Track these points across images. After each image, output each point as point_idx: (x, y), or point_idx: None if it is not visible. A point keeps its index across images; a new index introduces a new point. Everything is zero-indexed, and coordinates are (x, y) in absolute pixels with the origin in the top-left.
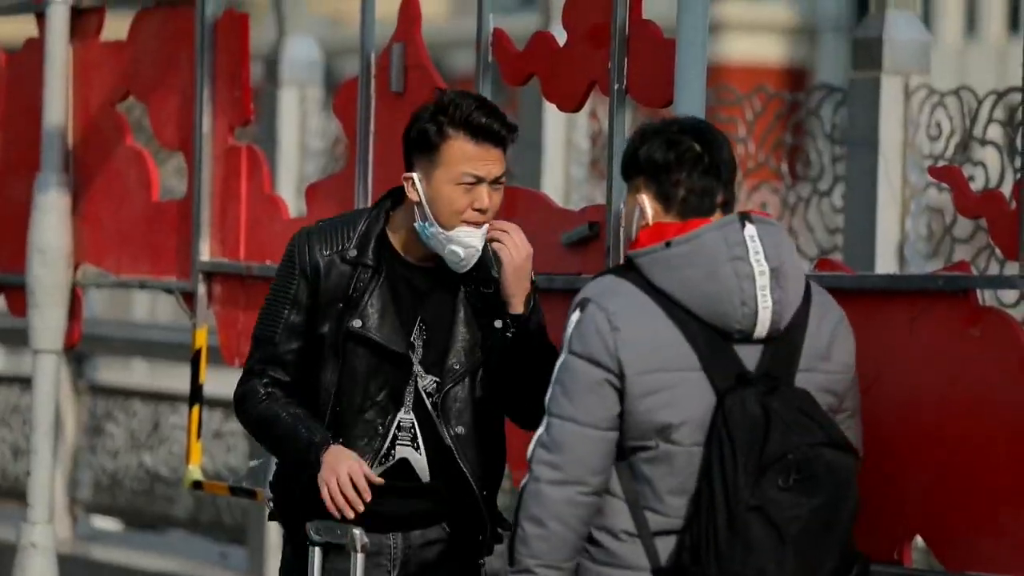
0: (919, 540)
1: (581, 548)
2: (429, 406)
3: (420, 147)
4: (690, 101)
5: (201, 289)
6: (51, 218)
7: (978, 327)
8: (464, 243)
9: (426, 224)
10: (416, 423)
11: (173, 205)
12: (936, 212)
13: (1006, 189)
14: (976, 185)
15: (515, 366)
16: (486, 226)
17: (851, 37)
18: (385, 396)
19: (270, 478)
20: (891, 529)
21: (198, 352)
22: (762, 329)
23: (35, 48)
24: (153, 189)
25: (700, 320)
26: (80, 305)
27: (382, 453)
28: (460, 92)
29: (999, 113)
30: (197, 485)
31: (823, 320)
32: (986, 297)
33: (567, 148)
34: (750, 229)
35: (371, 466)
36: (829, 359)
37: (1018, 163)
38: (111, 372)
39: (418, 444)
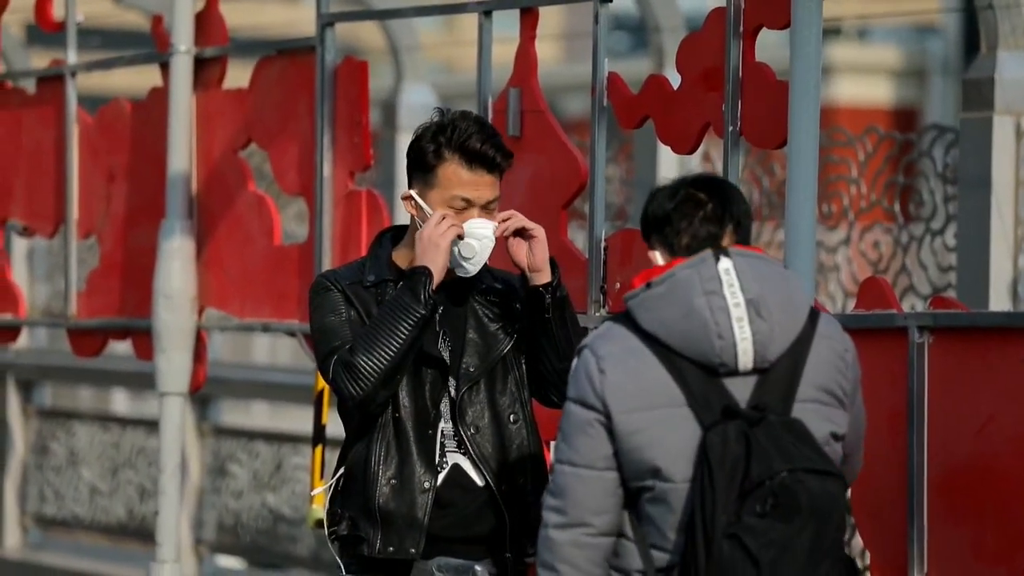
0: None
1: None
2: (448, 409)
3: (418, 166)
4: (803, 142)
5: None
6: (176, 263)
7: None
8: (478, 234)
9: None
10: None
11: (295, 249)
12: None
13: None
14: None
15: (550, 332)
16: (493, 224)
17: (961, 78)
18: (431, 405)
19: (325, 502)
20: (1008, 564)
21: (320, 393)
22: (745, 360)
23: (159, 97)
24: (275, 234)
25: (687, 358)
26: (205, 348)
27: (435, 461)
28: (462, 114)
29: None
30: (321, 524)
31: (828, 350)
32: None
33: None
34: (725, 263)
35: (427, 474)
36: (831, 390)
37: None
38: (233, 414)
39: (466, 450)
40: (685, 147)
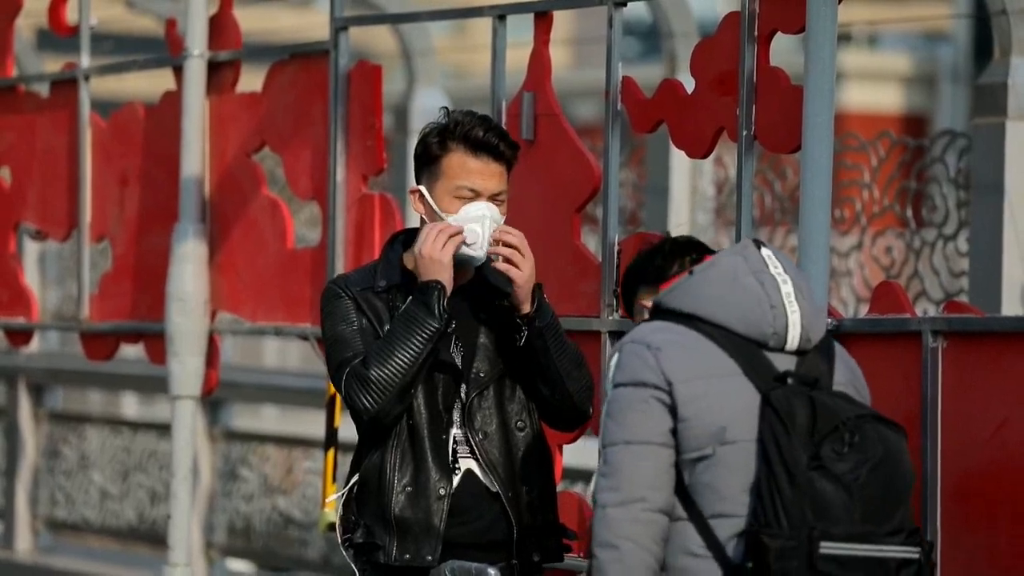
0: None
1: (658, 572)
2: (459, 414)
3: (424, 160)
4: (818, 146)
5: None
6: (189, 267)
7: None
8: (473, 216)
9: None
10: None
11: (308, 253)
12: None
13: None
14: None
15: (535, 360)
16: (490, 206)
17: (972, 83)
18: (444, 411)
19: (338, 508)
20: (1022, 571)
21: (333, 397)
22: (795, 334)
23: (172, 101)
24: (288, 237)
25: (734, 333)
26: (217, 352)
27: (450, 467)
28: (465, 112)
29: None
30: (332, 528)
31: (845, 355)
32: None
33: (693, 195)
34: (766, 250)
35: (442, 480)
36: (857, 388)
37: None
38: (244, 418)
39: (478, 456)
40: (699, 151)
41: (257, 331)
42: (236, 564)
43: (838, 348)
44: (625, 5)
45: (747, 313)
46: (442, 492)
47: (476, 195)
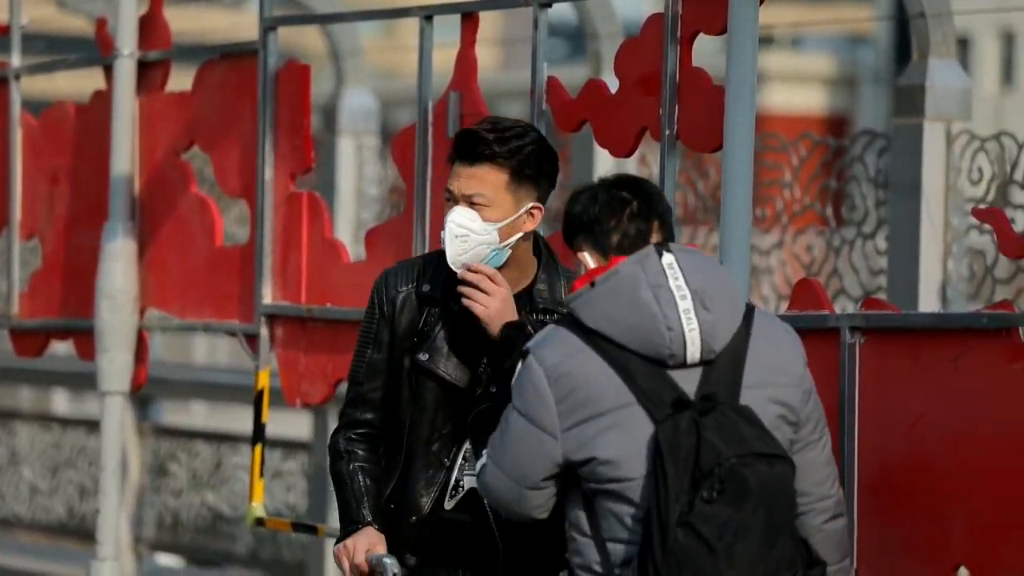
0: (964, 573)
1: None
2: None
3: None
4: (739, 146)
5: (264, 332)
6: (118, 264)
7: (1021, 364)
8: (445, 223)
9: None
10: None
11: (236, 251)
12: (977, 254)
13: None
14: (1016, 227)
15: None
16: (456, 209)
17: (892, 85)
18: (451, 430)
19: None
20: (938, 562)
21: (260, 393)
22: (694, 351)
23: (103, 100)
24: (217, 235)
25: (634, 353)
26: (146, 348)
27: (451, 485)
28: (488, 118)
29: None
30: (260, 522)
31: (767, 336)
32: None
33: None
34: (668, 258)
35: (440, 497)
36: (776, 371)
37: None
38: (173, 414)
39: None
40: (622, 150)
41: (186, 328)
42: (165, 558)
43: (763, 322)
44: (550, 6)
45: (643, 335)
46: (414, 520)
47: (451, 197)
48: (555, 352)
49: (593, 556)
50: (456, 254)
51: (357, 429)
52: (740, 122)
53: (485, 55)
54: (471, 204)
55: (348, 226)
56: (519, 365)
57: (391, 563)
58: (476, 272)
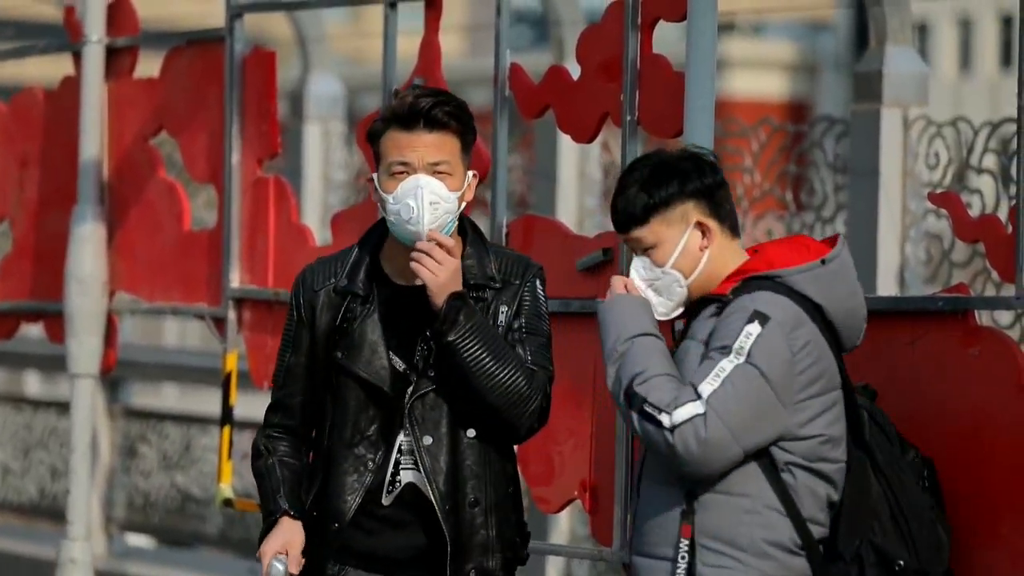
0: None
1: None
2: (406, 418)
3: (372, 146)
4: (699, 131)
5: (231, 315)
6: (88, 248)
7: (976, 347)
8: (408, 190)
9: (388, 218)
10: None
11: (204, 235)
12: (934, 238)
13: (1002, 215)
14: (972, 212)
15: (453, 372)
16: (423, 177)
17: (851, 71)
18: (376, 430)
19: None
20: None
21: (228, 375)
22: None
23: (72, 86)
24: (185, 220)
25: (834, 335)
26: (115, 331)
27: (385, 485)
28: (413, 87)
29: (993, 143)
30: (228, 503)
31: None
32: (984, 319)
33: (580, 179)
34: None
35: (367, 502)
36: None
37: (1012, 190)
38: (144, 396)
39: (420, 465)
40: (584, 136)
41: (155, 311)
42: (135, 539)
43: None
44: None
45: (855, 321)
46: (336, 526)
47: (407, 168)
48: (796, 322)
49: (790, 534)
50: (430, 223)
51: (277, 430)
52: (700, 108)
53: (452, 42)
54: (435, 172)
55: (315, 211)
56: (753, 327)
57: (279, 566)
58: (431, 240)
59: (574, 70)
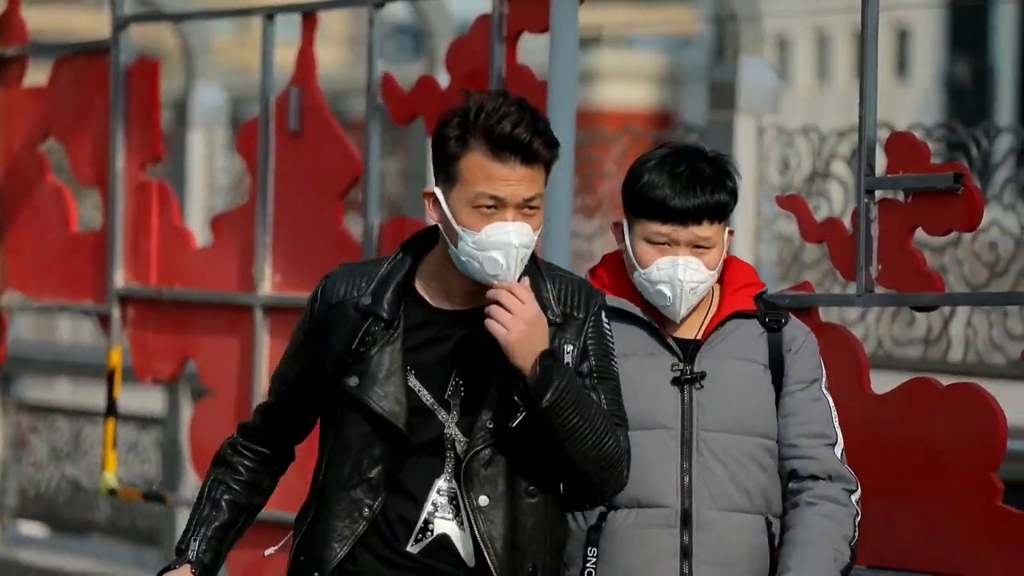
0: None
1: None
2: (452, 471)
3: (439, 159)
4: (561, 137)
5: (116, 312)
6: None
7: (820, 341)
8: (498, 242)
9: (455, 248)
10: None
11: (90, 236)
12: (786, 240)
13: (846, 219)
14: (822, 215)
15: (534, 440)
16: (524, 226)
17: (709, 82)
18: (380, 472)
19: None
20: None
21: (112, 370)
22: None
23: None
24: (72, 222)
25: None
26: (5, 328)
27: (414, 532)
28: (496, 92)
29: (843, 149)
30: (112, 492)
31: None
32: (834, 317)
33: None
34: None
35: (387, 543)
36: None
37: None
38: (36, 390)
39: (471, 523)
40: None
41: (43, 309)
42: (28, 527)
43: None
44: (383, 6)
45: None
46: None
47: (499, 204)
48: None
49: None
50: (515, 272)
51: (250, 438)
52: (562, 116)
53: (334, 53)
54: (527, 207)
55: (199, 214)
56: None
57: None
58: (498, 288)
59: (443, 79)
